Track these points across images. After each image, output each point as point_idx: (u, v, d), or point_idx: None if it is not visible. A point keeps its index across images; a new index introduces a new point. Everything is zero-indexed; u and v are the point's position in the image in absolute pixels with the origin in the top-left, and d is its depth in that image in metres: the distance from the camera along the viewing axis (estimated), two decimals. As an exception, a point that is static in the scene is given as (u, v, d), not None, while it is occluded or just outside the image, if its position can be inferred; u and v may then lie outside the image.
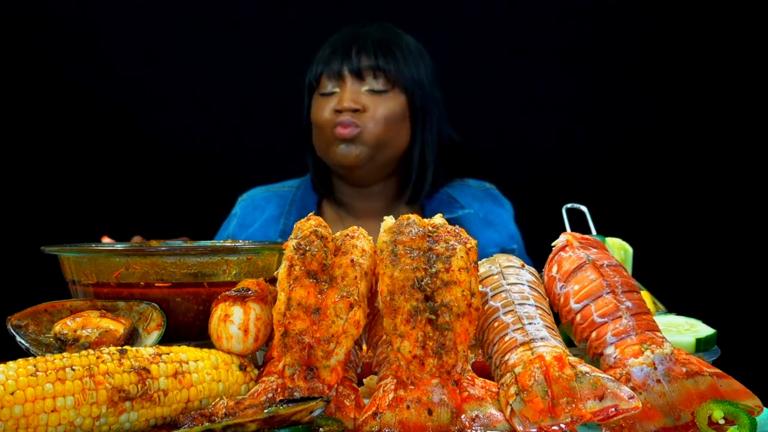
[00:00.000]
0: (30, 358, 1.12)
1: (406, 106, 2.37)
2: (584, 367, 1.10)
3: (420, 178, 2.44)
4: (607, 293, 1.23)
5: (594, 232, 1.74)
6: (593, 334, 1.21)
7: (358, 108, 2.30)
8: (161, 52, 3.25)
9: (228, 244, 1.59)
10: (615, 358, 1.17)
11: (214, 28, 3.29)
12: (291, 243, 1.23)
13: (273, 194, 2.60)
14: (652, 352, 1.15)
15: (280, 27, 3.31)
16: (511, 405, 1.09)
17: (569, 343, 1.27)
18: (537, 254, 1.44)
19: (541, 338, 1.17)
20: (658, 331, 1.20)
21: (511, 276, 1.31)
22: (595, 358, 1.21)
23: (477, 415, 1.11)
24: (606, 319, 1.21)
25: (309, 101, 2.43)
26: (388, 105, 2.33)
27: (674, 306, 1.65)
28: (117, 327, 1.32)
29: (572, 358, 1.12)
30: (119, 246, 1.45)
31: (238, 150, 3.34)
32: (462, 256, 1.19)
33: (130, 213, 3.28)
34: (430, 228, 1.24)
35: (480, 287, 1.26)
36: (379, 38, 2.38)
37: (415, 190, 2.45)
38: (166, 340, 1.33)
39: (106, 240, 2.04)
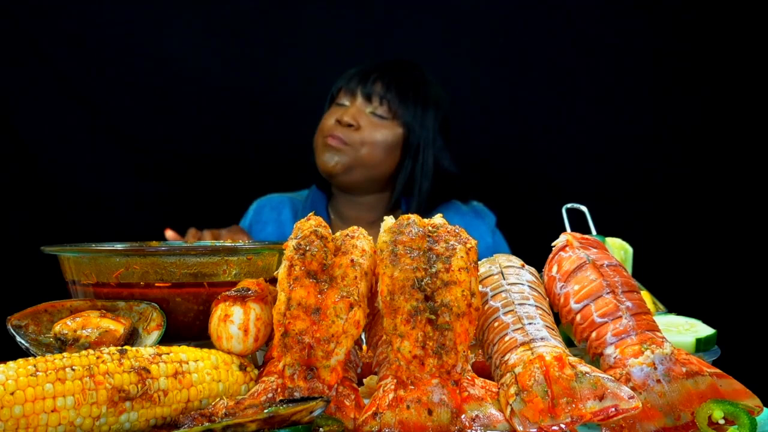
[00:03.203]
0: (30, 358, 1.12)
1: (400, 139, 2.62)
2: (584, 367, 1.10)
3: (400, 200, 2.69)
4: (607, 293, 1.23)
5: (594, 232, 1.74)
6: (593, 334, 1.21)
7: (353, 124, 2.57)
8: (164, 53, 3.25)
9: (228, 244, 1.59)
10: (615, 358, 1.17)
11: (218, 30, 3.30)
12: (291, 243, 1.23)
13: (288, 199, 2.84)
14: (652, 352, 1.15)
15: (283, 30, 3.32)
16: (511, 405, 1.09)
17: (569, 343, 1.27)
18: (537, 254, 1.44)
19: (541, 338, 1.17)
20: (658, 331, 1.20)
21: (511, 276, 1.31)
22: (595, 358, 1.21)
23: (477, 415, 1.11)
24: (606, 319, 1.21)
25: (326, 110, 2.70)
26: (384, 132, 2.59)
27: (674, 306, 1.65)
28: (117, 327, 1.32)
29: (572, 358, 1.12)
30: (119, 246, 1.45)
31: (240, 152, 3.34)
32: (462, 256, 1.19)
33: (130, 213, 3.28)
34: (430, 228, 1.24)
35: (480, 287, 1.26)
36: (399, 76, 2.65)
37: (397, 209, 2.70)
38: (166, 340, 1.33)
39: (169, 233, 2.19)
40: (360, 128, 2.58)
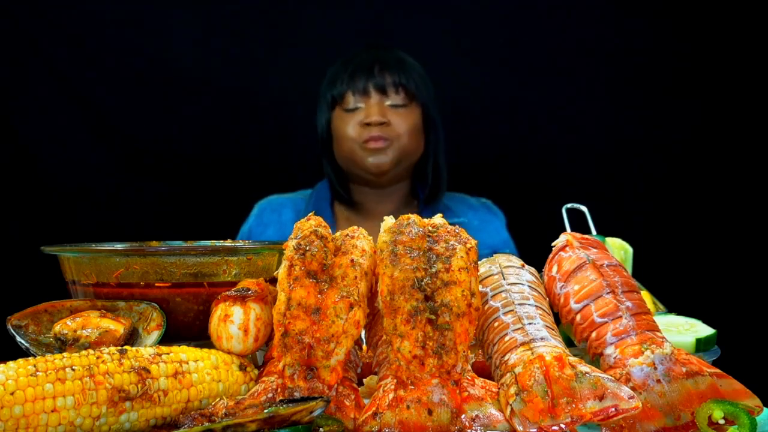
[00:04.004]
0: (30, 358, 1.12)
1: (421, 119, 2.63)
2: (584, 367, 1.10)
3: (435, 181, 2.69)
4: (607, 293, 1.23)
5: (594, 232, 1.74)
6: (593, 334, 1.21)
7: (385, 121, 2.54)
8: (164, 53, 3.25)
9: (228, 244, 1.59)
10: (615, 358, 1.17)
11: (218, 30, 3.30)
12: (291, 243, 1.23)
13: (288, 200, 2.81)
14: (652, 352, 1.15)
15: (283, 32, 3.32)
16: (511, 405, 1.09)
17: (569, 343, 1.27)
18: (537, 254, 1.44)
19: (541, 338, 1.17)
20: (658, 331, 1.20)
21: (511, 276, 1.31)
22: (595, 358, 1.21)
23: (477, 415, 1.11)
24: (606, 319, 1.21)
25: (329, 115, 2.65)
26: (408, 118, 2.59)
27: (674, 306, 1.65)
28: (117, 327, 1.32)
29: (572, 358, 1.12)
30: (119, 246, 1.45)
31: (240, 152, 3.34)
32: (462, 256, 1.19)
33: (130, 213, 3.28)
34: (430, 228, 1.24)
35: (480, 287, 1.26)
36: (396, 58, 2.63)
37: (432, 192, 2.69)
38: (166, 340, 1.33)
39: None
40: (390, 123, 2.55)
